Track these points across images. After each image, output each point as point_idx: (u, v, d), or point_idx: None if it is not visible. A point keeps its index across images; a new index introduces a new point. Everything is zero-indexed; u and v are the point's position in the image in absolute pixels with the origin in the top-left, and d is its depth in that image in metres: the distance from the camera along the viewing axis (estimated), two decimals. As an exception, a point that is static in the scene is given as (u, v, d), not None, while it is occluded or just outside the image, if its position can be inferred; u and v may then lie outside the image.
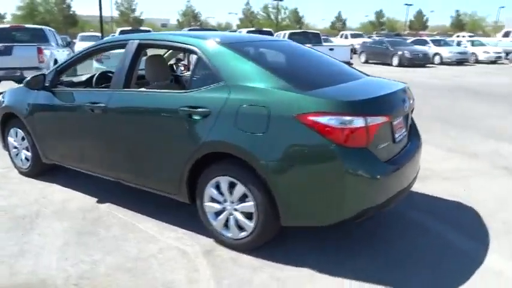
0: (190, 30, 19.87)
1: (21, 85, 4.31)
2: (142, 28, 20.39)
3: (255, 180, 2.58)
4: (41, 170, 4.19)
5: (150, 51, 4.03)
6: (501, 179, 4.31)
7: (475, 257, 2.77)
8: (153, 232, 3.11)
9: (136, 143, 3.15)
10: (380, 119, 2.51)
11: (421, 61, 20.05)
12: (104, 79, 3.98)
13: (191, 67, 5.66)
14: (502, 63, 22.39)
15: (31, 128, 3.91)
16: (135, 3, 63.95)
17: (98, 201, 3.64)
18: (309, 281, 2.50)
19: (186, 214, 3.29)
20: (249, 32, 18.80)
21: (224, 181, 2.74)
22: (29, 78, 3.85)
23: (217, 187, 2.80)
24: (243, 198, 2.70)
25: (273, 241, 2.81)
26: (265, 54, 3.08)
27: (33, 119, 3.87)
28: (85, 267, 2.63)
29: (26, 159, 4.21)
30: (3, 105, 4.22)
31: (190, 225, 3.14)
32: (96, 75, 4.00)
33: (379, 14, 75.04)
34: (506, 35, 27.07)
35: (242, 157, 2.58)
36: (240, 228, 2.76)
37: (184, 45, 3.11)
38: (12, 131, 4.23)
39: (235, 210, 2.75)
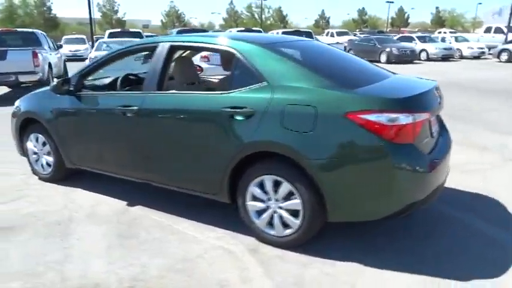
0: (179, 31, 19.71)
1: (39, 90, 4.28)
2: (131, 30, 20.09)
3: (302, 178, 2.63)
4: (64, 175, 4.15)
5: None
6: (515, 170, 4.47)
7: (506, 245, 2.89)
8: (192, 232, 3.12)
9: (173, 145, 3.15)
10: (424, 116, 2.60)
11: (408, 57, 20.45)
12: (127, 82, 3.97)
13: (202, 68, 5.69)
14: (486, 59, 22.88)
15: (55, 133, 3.87)
16: (117, 5, 62.94)
17: (128, 204, 3.63)
18: (361, 275, 2.55)
19: (220, 213, 3.32)
20: (239, 31, 18.78)
21: (268, 180, 2.78)
22: (55, 83, 3.81)
23: (261, 186, 2.83)
24: (288, 196, 2.75)
25: (313, 237, 2.85)
26: (300, 54, 3.12)
27: (58, 123, 3.83)
28: (136, 270, 2.63)
29: (48, 164, 4.16)
30: (22, 111, 4.17)
31: (228, 224, 3.17)
32: (120, 79, 3.98)
33: (362, 12, 75.81)
34: (488, 30, 27.71)
35: (290, 156, 2.62)
36: (285, 225, 2.81)
37: (220, 47, 3.13)
38: (32, 136, 4.17)
39: (280, 208, 2.79)
